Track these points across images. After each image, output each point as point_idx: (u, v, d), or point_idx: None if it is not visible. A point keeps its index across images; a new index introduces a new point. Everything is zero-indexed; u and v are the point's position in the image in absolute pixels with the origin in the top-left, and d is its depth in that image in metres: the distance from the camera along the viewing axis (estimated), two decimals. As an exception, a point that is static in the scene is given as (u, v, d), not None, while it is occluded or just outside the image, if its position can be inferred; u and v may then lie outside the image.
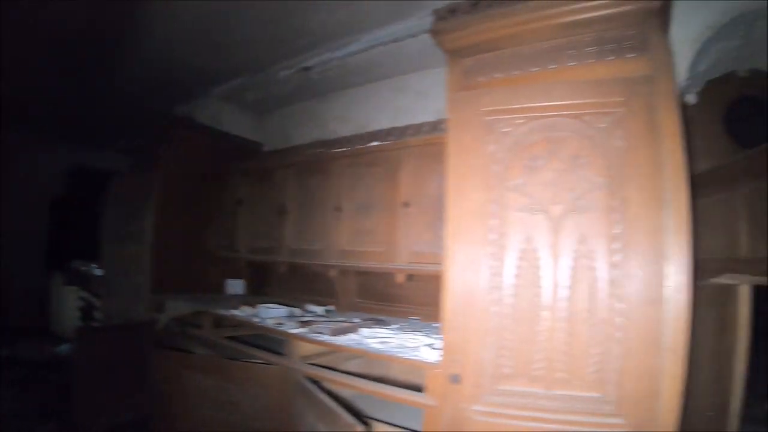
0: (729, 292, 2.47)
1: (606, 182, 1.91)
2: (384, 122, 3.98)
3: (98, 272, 5.75)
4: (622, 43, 1.97)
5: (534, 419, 1.95)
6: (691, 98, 2.87)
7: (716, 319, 2.57)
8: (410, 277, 3.16)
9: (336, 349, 2.64)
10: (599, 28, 2.02)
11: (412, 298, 3.42)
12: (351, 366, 2.96)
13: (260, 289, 4.56)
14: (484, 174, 2.10)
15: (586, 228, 1.93)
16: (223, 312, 3.35)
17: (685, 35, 2.60)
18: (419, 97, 3.86)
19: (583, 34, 2.05)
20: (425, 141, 3.01)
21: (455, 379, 2.06)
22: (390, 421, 2.50)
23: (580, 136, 1.98)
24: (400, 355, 2.33)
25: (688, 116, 2.83)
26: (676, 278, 1.77)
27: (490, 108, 2.15)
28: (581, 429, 1.89)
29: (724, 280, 2.43)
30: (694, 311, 2.39)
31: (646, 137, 1.87)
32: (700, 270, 2.57)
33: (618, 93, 1.94)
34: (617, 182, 1.89)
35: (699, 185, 2.63)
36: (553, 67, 2.10)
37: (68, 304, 6.61)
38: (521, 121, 2.09)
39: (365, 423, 2.19)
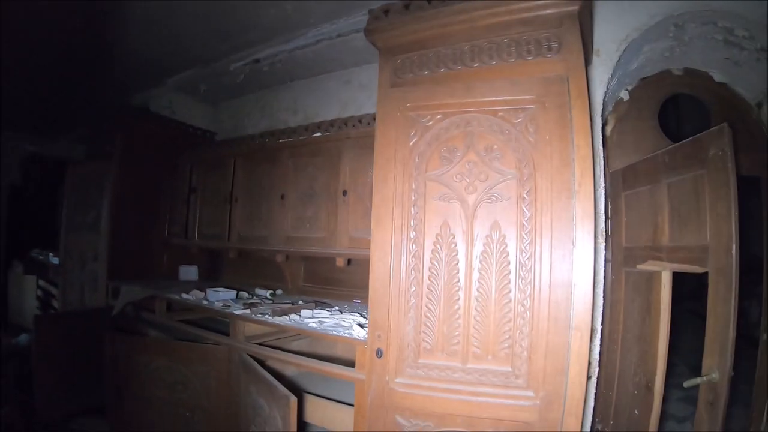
0: (652, 277, 2.62)
1: (517, 174, 2.08)
2: (331, 113, 4.09)
3: (55, 261, 5.78)
4: (541, 44, 2.12)
5: (451, 391, 2.14)
6: (624, 95, 3.05)
7: (642, 304, 2.74)
8: (350, 261, 3.33)
9: (276, 329, 2.81)
10: (519, 30, 2.17)
11: (353, 282, 3.59)
12: (295, 346, 3.14)
13: (213, 275, 4.70)
14: (406, 165, 2.27)
15: (498, 215, 2.10)
16: (174, 296, 3.47)
17: (613, 35, 2.72)
18: (363, 89, 3.99)
19: (504, 35, 2.20)
20: (365, 132, 3.14)
21: (379, 353, 2.25)
22: (331, 397, 2.67)
23: (495, 131, 2.14)
24: (332, 333, 2.51)
25: (621, 112, 3.04)
26: (582, 262, 1.94)
27: (414, 103, 2.31)
28: (494, 401, 2.08)
29: (648, 266, 2.60)
30: (621, 292, 2.62)
31: (557, 132, 2.03)
32: (628, 257, 2.80)
33: (533, 91, 2.10)
34: (528, 173, 2.06)
35: (628, 178, 2.85)
36: (476, 65, 2.25)
37: (27, 294, 6.60)
38: (440, 116, 2.25)
39: (299, 396, 2.36)
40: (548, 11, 2.10)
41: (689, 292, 4.82)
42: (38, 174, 7.76)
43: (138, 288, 3.73)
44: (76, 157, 7.03)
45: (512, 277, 2.06)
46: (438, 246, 2.19)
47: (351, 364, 2.50)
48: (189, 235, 4.38)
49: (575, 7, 2.06)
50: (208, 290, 3.38)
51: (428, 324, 2.19)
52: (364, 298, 3.41)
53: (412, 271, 2.22)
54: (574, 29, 2.09)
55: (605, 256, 2.96)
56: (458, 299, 2.15)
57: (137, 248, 4.47)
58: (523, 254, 2.05)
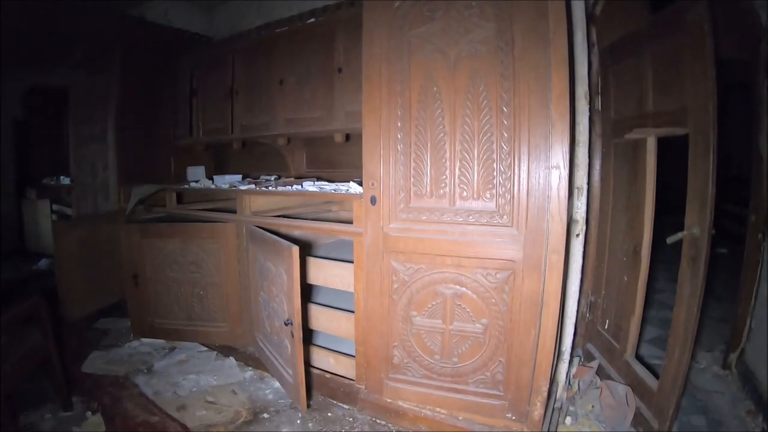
0: (639, 145, 2.72)
1: (495, 26, 2.16)
2: (323, 3, 4.12)
3: (67, 182, 5.91)
4: None
5: (441, 232, 2.34)
6: None
7: (630, 172, 2.87)
8: (348, 137, 3.49)
9: (280, 196, 2.96)
10: None
11: (352, 163, 3.71)
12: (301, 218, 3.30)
13: (219, 172, 4.78)
14: (391, 26, 2.37)
15: (477, 65, 2.21)
16: (182, 186, 3.63)
17: None
18: (356, -22, 4.02)
19: None
20: (356, 14, 3.10)
21: (373, 200, 2.42)
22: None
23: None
24: (332, 191, 2.68)
25: None
26: (556, 106, 2.04)
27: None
28: (481, 239, 2.26)
29: (635, 135, 2.72)
30: (611, 161, 2.70)
31: None
32: (616, 128, 2.91)
33: None
34: (505, 26, 2.14)
35: (615, 53, 2.93)
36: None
37: (42, 221, 6.74)
38: (422, -22, 2.31)
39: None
40: None
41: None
42: (41, 106, 7.80)
43: (147, 185, 3.88)
44: (79, 82, 7.06)
45: (494, 121, 2.19)
46: (423, 96, 2.31)
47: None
48: (194, 134, 4.52)
49: None
50: (215, 176, 3.54)
51: (418, 170, 2.35)
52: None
53: (401, 121, 2.35)
54: None
55: (596, 130, 3.08)
56: (445, 145, 2.29)
57: (145, 154, 4.60)
58: (503, 99, 2.16)
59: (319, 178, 3.51)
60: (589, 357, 3.21)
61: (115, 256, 3.85)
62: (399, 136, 2.36)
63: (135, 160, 4.48)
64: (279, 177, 3.86)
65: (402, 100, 2.35)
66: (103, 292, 4.13)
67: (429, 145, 2.32)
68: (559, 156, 2.07)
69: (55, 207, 6.51)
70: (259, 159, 4.46)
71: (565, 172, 2.07)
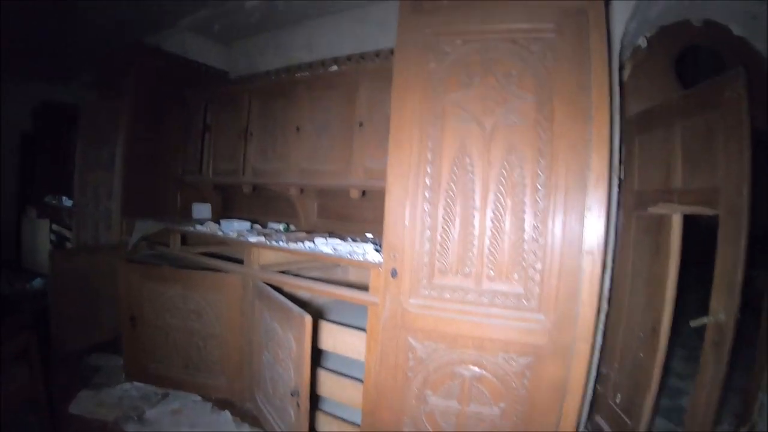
0: (663, 221, 2.61)
1: (534, 98, 2.08)
2: (345, 51, 4.04)
3: (68, 203, 5.81)
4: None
5: (464, 312, 2.19)
6: (641, 42, 3.00)
7: (651, 246, 2.75)
8: (364, 193, 3.35)
9: (292, 254, 2.83)
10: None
11: (366, 217, 3.61)
12: (310, 274, 3.16)
13: (226, 213, 4.72)
14: (425, 89, 2.26)
15: (514, 139, 2.11)
16: (188, 228, 3.50)
17: None
18: (379, 27, 3.93)
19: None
20: (382, 66, 3.12)
21: (394, 273, 2.28)
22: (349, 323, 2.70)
23: (514, 57, 2.14)
24: (347, 257, 2.54)
25: (638, 60, 3.00)
26: (595, 188, 1.97)
27: (435, 29, 2.29)
28: (505, 323, 2.13)
29: (660, 209, 2.60)
30: (632, 234, 2.62)
31: (575, 59, 2.04)
32: (640, 200, 2.79)
33: (551, 20, 2.10)
34: (545, 98, 2.06)
35: (642, 123, 2.83)
36: (493, -6, 2.22)
37: (40, 239, 6.65)
38: (460, 42, 2.24)
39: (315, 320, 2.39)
40: None
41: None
42: (49, 121, 7.73)
43: (151, 222, 3.77)
44: (87, 101, 7.02)
45: (527, 199, 2.09)
46: (455, 168, 2.20)
47: (365, 289, 2.53)
48: (203, 172, 4.39)
49: None
50: (223, 221, 3.42)
51: (444, 245, 2.22)
52: (377, 233, 3.45)
53: (430, 192, 2.23)
54: None
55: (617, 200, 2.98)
56: (474, 220, 2.17)
57: (151, 186, 4.50)
58: (539, 178, 2.07)
59: (331, 233, 3.37)
60: (597, 430, 3.05)
61: (113, 291, 3.69)
62: (426, 207, 2.23)
63: (140, 191, 4.38)
64: (288, 226, 3.71)
65: (432, 170, 2.23)
66: (98, 327, 4.01)
67: (458, 220, 2.19)
68: (594, 241, 1.97)
69: (54, 227, 6.41)
70: (269, 203, 4.31)
71: (599, 258, 1.96)
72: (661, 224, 2.64)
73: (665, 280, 2.56)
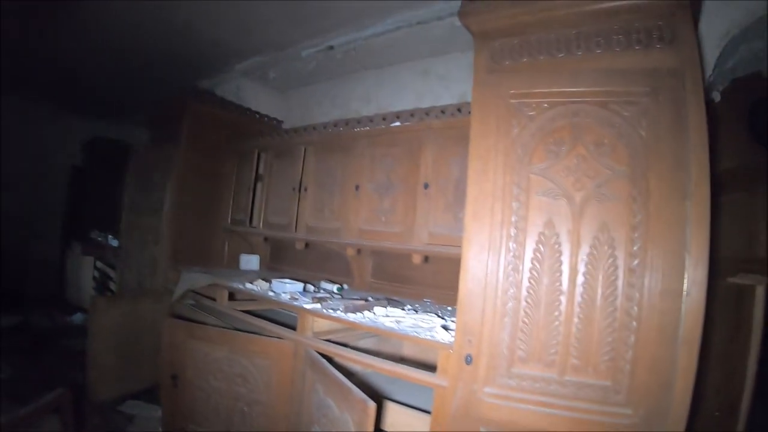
0: (744, 291, 2.44)
1: (628, 171, 1.90)
2: (405, 104, 3.97)
3: (114, 243, 5.82)
4: (651, 33, 1.95)
5: (545, 404, 1.96)
6: (716, 96, 2.84)
7: (730, 319, 2.55)
8: (426, 258, 3.15)
9: (350, 326, 2.64)
10: (627, 17, 1.99)
11: (426, 280, 3.42)
12: (362, 344, 2.99)
13: (274, 266, 4.58)
14: (508, 156, 2.09)
15: (607, 216, 1.92)
16: (237, 285, 3.36)
17: (713, 31, 2.57)
18: (441, 80, 3.85)
19: (611, 22, 2.03)
20: (448, 123, 2.97)
21: (468, 359, 2.07)
22: (399, 400, 2.48)
23: (604, 124, 1.96)
24: (413, 334, 2.33)
25: (712, 113, 2.81)
26: (694, 271, 1.76)
27: (516, 91, 2.13)
28: (589, 417, 1.89)
29: (740, 279, 2.42)
30: (708, 306, 2.39)
31: (671, 129, 1.86)
32: (717, 268, 2.56)
33: (644, 83, 1.92)
34: (640, 172, 1.88)
35: (718, 183, 2.62)
36: (580, 54, 2.08)
37: (84, 274, 6.67)
38: (546, 105, 2.07)
39: (377, 401, 2.20)
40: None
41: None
42: (100, 156, 7.87)
43: (199, 275, 3.65)
44: (138, 140, 7.13)
45: (619, 283, 1.88)
46: (540, 246, 2.00)
47: (421, 365, 2.36)
48: (254, 224, 4.27)
49: None
50: (274, 281, 3.26)
51: (525, 330, 2.01)
52: (436, 298, 3.28)
53: (512, 272, 2.03)
54: (687, 20, 1.91)
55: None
56: (559, 305, 1.96)
57: (199, 234, 4.43)
58: (633, 259, 1.86)
59: (389, 299, 3.17)
60: None
61: (154, 340, 3.59)
62: (507, 289, 2.02)
63: (188, 239, 4.33)
64: (342, 287, 3.54)
65: (515, 247, 2.03)
66: (136, 376, 3.89)
67: (542, 303, 1.98)
68: (691, 330, 1.75)
69: (98, 264, 6.42)
70: (321, 260, 4.13)
71: (696, 349, 1.74)
72: (741, 295, 2.45)
73: (746, 356, 2.40)
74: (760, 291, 2.35)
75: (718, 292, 2.58)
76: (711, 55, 2.60)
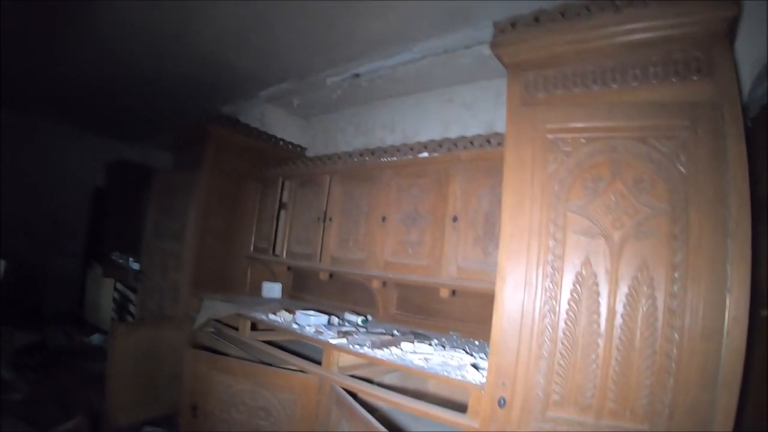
0: None
1: (668, 208, 1.84)
2: (431, 132, 3.94)
3: (135, 266, 5.82)
4: (688, 65, 1.91)
5: (581, 450, 1.89)
6: (747, 122, 2.78)
7: (766, 354, 2.42)
8: (453, 292, 3.08)
9: (377, 363, 2.58)
10: (664, 48, 1.96)
11: (452, 313, 3.34)
12: (387, 379, 2.92)
13: (298, 294, 4.53)
14: (544, 193, 2.05)
15: (646, 254, 1.86)
16: (261, 316, 3.32)
17: (746, 59, 2.49)
18: (468, 108, 3.81)
19: (647, 54, 1.99)
20: (477, 155, 2.93)
21: (502, 402, 2.00)
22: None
23: (643, 159, 1.91)
24: (444, 374, 2.27)
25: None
26: (735, 311, 1.70)
27: (552, 125, 2.10)
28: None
29: None
30: (747, 348, 2.31)
31: (711, 163, 1.80)
32: (755, 300, 2.48)
33: (683, 117, 1.87)
34: (680, 209, 1.82)
35: (756, 211, 2.54)
36: (615, 86, 2.05)
37: (103, 295, 6.70)
38: (584, 140, 2.03)
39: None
40: (695, 28, 1.88)
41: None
42: (122, 178, 7.94)
43: (221, 303, 3.61)
44: (161, 163, 7.19)
45: (659, 324, 1.81)
46: (578, 286, 1.94)
47: (447, 403, 2.30)
48: (277, 252, 4.24)
49: (725, 25, 1.83)
50: (299, 313, 3.21)
51: (560, 373, 1.94)
52: (462, 331, 3.21)
53: (548, 313, 1.97)
54: (724, 50, 1.87)
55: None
56: (597, 347, 1.89)
57: (221, 260, 4.41)
58: (673, 299, 1.79)
59: (414, 333, 3.10)
60: None
61: (174, 367, 3.56)
62: (546, 331, 1.96)
63: (210, 265, 4.31)
64: (366, 318, 3.47)
65: (552, 287, 1.97)
66: (155, 402, 3.83)
67: (579, 345, 1.91)
68: (731, 372, 1.68)
69: (119, 286, 6.43)
70: (345, 290, 4.06)
71: (736, 391, 1.66)
72: None
73: None
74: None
75: (760, 322, 2.51)
76: (745, 83, 2.53)
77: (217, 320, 3.69)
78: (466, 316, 3.24)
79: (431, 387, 2.98)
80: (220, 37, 3.83)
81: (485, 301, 2.09)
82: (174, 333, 3.84)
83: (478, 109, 3.73)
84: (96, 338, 6.25)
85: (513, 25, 2.29)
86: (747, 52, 2.50)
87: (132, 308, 5.79)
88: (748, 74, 2.54)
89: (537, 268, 2.00)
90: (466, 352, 2.62)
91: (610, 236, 1.91)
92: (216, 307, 3.57)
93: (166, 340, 3.83)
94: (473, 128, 3.66)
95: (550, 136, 2.09)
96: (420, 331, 3.26)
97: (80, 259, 7.87)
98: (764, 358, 2.43)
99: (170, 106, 5.79)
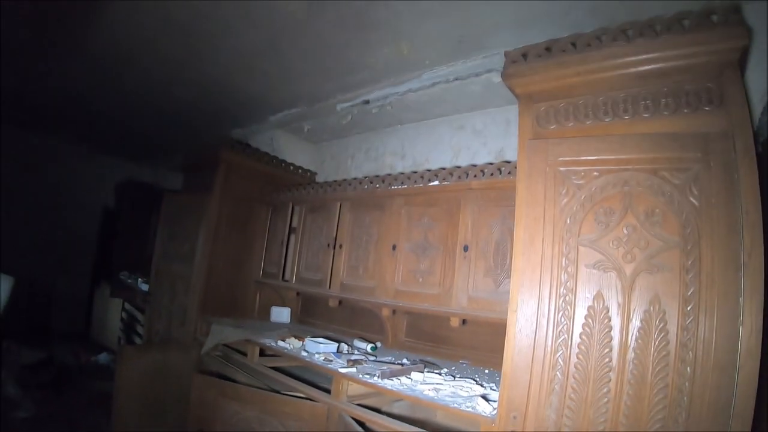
0: None
1: (680, 241, 1.83)
2: (441, 160, 3.96)
3: (144, 287, 5.82)
4: (699, 95, 1.91)
5: (591, 486, 1.86)
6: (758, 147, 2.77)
7: None
8: (464, 321, 3.06)
9: (387, 393, 2.57)
10: (675, 79, 1.96)
11: (462, 342, 3.32)
12: (396, 407, 2.89)
13: (306, 319, 4.53)
14: (556, 226, 2.04)
15: (658, 288, 1.84)
16: (269, 343, 3.31)
17: (757, 86, 2.47)
18: (478, 135, 3.82)
19: (659, 84, 2.00)
20: (488, 184, 2.93)
21: (513, 436, 1.98)
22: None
23: (655, 192, 1.91)
24: (454, 405, 2.25)
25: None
26: (748, 343, 1.67)
27: (564, 158, 2.10)
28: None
29: None
30: (761, 379, 2.27)
31: (723, 195, 1.79)
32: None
33: (695, 148, 1.87)
34: (692, 241, 1.81)
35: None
36: (627, 118, 2.05)
37: (111, 314, 6.71)
38: (596, 173, 2.03)
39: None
40: (706, 59, 1.89)
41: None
42: (132, 198, 7.98)
43: (230, 328, 3.61)
44: (171, 185, 7.23)
45: (671, 358, 1.78)
46: (590, 320, 1.93)
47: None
48: (286, 277, 4.25)
49: (736, 55, 1.84)
50: (308, 340, 3.20)
51: (571, 407, 1.92)
52: (473, 360, 3.19)
53: (560, 346, 1.96)
54: (735, 80, 1.86)
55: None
56: (608, 381, 1.87)
57: (230, 284, 4.41)
58: (685, 333, 1.77)
59: (424, 361, 3.08)
60: None
61: (181, 390, 3.56)
62: (558, 365, 1.94)
63: (219, 289, 4.31)
64: (376, 346, 3.45)
65: (564, 321, 1.96)
66: (161, 426, 3.79)
67: (591, 379, 1.89)
68: (744, 407, 1.65)
69: (127, 306, 6.42)
70: (354, 316, 4.05)
71: (748, 425, 1.63)
72: None
73: None
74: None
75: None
76: (755, 110, 2.51)
77: (226, 345, 3.68)
78: (476, 345, 3.21)
79: (441, 417, 2.96)
80: (231, 62, 3.86)
81: (496, 330, 2.09)
82: (181, 357, 3.83)
83: (489, 136, 3.75)
84: (103, 357, 6.26)
85: (524, 55, 2.31)
86: (757, 78, 2.50)
87: (140, 329, 5.78)
88: (758, 100, 2.53)
89: (549, 302, 2.00)
90: (477, 382, 2.60)
91: (622, 269, 1.90)
92: (224, 332, 3.56)
93: (173, 364, 3.81)
94: (483, 155, 3.68)
95: (562, 168, 2.09)
96: (430, 359, 3.24)
97: (89, 278, 7.88)
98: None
99: (182, 128, 5.83)
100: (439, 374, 2.75)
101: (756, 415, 1.63)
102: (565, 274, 1.99)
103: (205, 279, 4.22)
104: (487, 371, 2.98)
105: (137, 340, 5.69)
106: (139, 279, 6.28)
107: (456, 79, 3.54)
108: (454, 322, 2.98)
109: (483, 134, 3.79)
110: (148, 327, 4.98)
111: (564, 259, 2.00)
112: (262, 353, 3.49)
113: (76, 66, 4.34)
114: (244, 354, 3.54)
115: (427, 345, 3.50)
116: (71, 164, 7.69)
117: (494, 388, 2.49)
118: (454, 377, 2.74)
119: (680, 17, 1.92)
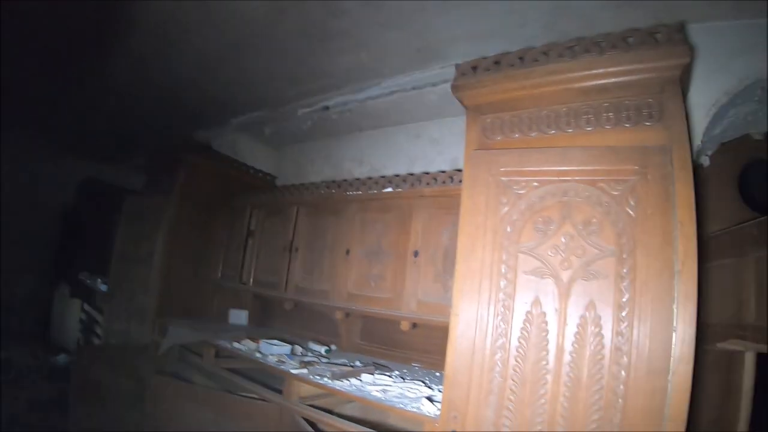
0: (734, 357, 2.43)
1: (616, 250, 1.92)
2: (398, 167, 4.04)
3: (103, 288, 5.76)
4: (640, 110, 2.00)
5: (529, 484, 1.94)
6: (705, 161, 2.87)
7: (720, 384, 2.53)
8: (414, 325, 3.15)
9: (336, 394, 2.63)
10: (617, 95, 2.06)
11: (414, 345, 3.40)
12: (348, 409, 2.95)
13: (263, 322, 4.56)
14: (496, 234, 2.12)
15: (594, 294, 1.93)
16: (225, 344, 3.35)
17: (702, 101, 2.60)
18: (434, 144, 3.91)
19: (601, 99, 2.10)
20: (439, 191, 3.01)
21: (453, 435, 2.06)
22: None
23: (593, 202, 2.00)
24: (399, 406, 2.33)
25: (701, 179, 2.85)
26: (681, 349, 1.76)
27: (506, 168, 2.18)
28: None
29: (730, 345, 2.40)
30: (695, 381, 2.39)
31: (659, 206, 1.88)
32: (707, 334, 2.56)
33: (633, 161, 1.96)
34: (627, 250, 1.90)
35: (708, 248, 2.63)
36: (570, 131, 2.14)
37: (70, 315, 6.61)
38: (536, 184, 2.12)
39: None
40: (648, 75, 1.98)
41: None
42: (93, 198, 7.85)
43: (187, 330, 3.62)
44: (133, 185, 7.14)
45: (606, 362, 1.88)
46: (528, 324, 2.02)
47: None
48: (244, 280, 4.27)
49: (677, 72, 1.93)
50: (262, 342, 3.25)
51: (510, 407, 2.00)
52: (424, 363, 3.27)
53: (498, 350, 2.04)
54: (676, 96, 1.96)
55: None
56: (546, 383, 1.96)
57: (188, 286, 4.43)
58: (620, 338, 1.86)
59: (377, 363, 3.16)
60: None
61: (138, 391, 3.57)
62: (496, 368, 2.03)
63: (177, 290, 4.32)
64: (330, 348, 3.52)
65: (502, 325, 2.05)
66: (118, 426, 3.78)
67: (528, 381, 1.98)
68: (677, 408, 1.74)
69: (86, 307, 6.33)
70: (310, 320, 4.10)
71: (681, 428, 1.72)
72: (731, 361, 2.44)
73: (736, 422, 2.34)
74: (749, 358, 2.33)
75: (707, 357, 2.57)
76: (701, 124, 2.63)
77: (183, 346, 3.69)
78: (428, 348, 3.30)
79: (394, 419, 3.03)
80: (195, 64, 3.87)
81: (446, 334, 2.15)
82: (139, 357, 3.83)
83: (445, 145, 3.83)
84: (62, 359, 6.16)
85: (474, 68, 2.39)
86: (703, 94, 2.60)
87: (98, 329, 5.71)
88: (704, 115, 2.63)
89: (488, 307, 2.08)
90: (425, 385, 2.69)
91: (559, 276, 1.99)
92: (181, 334, 3.58)
93: (131, 365, 3.81)
94: (439, 164, 3.77)
95: (504, 178, 2.18)
96: (383, 362, 3.32)
97: (48, 277, 7.73)
98: (721, 387, 2.51)
99: (146, 127, 5.77)
100: (390, 376, 2.83)
101: (690, 419, 1.73)
102: (504, 280, 2.07)
103: (163, 280, 4.23)
104: (438, 374, 3.06)
105: (96, 341, 5.62)
106: (99, 280, 6.20)
107: (413, 88, 3.63)
108: (405, 326, 3.06)
109: (440, 143, 3.87)
110: (106, 328, 4.95)
111: (503, 266, 2.09)
112: (219, 354, 3.51)
113: (37, 64, 4.28)
114: (201, 356, 3.56)
115: (381, 348, 3.58)
116: (31, 162, 7.50)
117: (441, 390, 2.56)
118: (404, 379, 2.81)
119: (626, 35, 2.02)
